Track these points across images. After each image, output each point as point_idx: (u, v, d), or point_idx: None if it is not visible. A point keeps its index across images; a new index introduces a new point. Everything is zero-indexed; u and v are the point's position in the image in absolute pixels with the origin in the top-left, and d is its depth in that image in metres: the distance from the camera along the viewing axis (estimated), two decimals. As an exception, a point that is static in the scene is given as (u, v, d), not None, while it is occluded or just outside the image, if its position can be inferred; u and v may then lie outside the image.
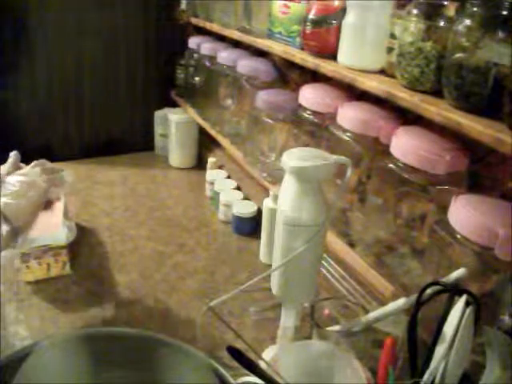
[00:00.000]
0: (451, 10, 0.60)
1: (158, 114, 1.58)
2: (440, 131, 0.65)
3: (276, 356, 0.63)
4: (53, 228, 0.94)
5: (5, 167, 0.76)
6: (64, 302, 0.88)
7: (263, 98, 1.00)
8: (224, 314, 0.82)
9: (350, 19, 0.74)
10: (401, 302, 0.63)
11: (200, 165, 1.52)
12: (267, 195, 1.01)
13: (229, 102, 1.22)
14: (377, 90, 0.68)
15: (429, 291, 0.58)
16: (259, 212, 1.10)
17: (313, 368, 0.61)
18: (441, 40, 0.60)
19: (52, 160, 0.83)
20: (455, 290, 0.56)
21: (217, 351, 0.70)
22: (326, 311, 0.73)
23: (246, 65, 1.09)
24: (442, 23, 0.60)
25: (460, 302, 0.54)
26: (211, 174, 1.32)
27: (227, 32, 1.14)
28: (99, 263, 1.01)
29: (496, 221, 0.54)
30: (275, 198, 0.97)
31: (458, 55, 0.56)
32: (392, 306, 0.64)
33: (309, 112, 0.87)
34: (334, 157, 0.62)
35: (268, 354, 0.69)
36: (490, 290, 0.58)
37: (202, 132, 1.45)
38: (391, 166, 0.67)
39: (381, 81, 0.69)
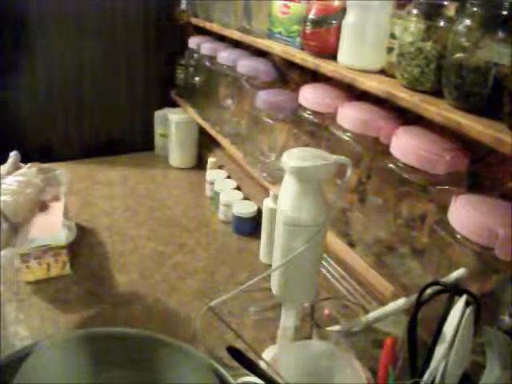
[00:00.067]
0: (451, 10, 0.60)
1: (158, 114, 1.58)
2: (440, 131, 0.65)
3: (276, 356, 0.63)
4: (53, 228, 0.94)
5: (5, 167, 0.76)
6: (64, 302, 0.88)
7: (263, 98, 1.00)
8: (224, 314, 0.82)
9: (349, 19, 0.74)
10: (401, 302, 0.63)
11: (200, 165, 1.52)
12: (267, 195, 1.01)
13: (229, 102, 1.22)
14: (377, 90, 0.68)
15: (429, 291, 0.58)
16: (259, 212, 1.10)
17: (313, 368, 0.61)
18: (441, 40, 0.60)
19: (52, 160, 0.84)
20: (455, 289, 0.56)
21: (217, 351, 0.70)
22: (326, 311, 0.73)
23: (246, 65, 1.09)
24: (442, 23, 0.60)
25: (460, 302, 0.54)
26: (211, 173, 1.32)
27: (227, 32, 1.14)
28: (99, 263, 1.01)
29: (496, 221, 0.54)
30: (275, 198, 0.97)
31: (457, 55, 0.56)
32: (392, 306, 0.64)
33: (309, 112, 0.87)
34: (334, 157, 0.62)
35: (268, 353, 0.69)
36: (489, 290, 0.58)
37: (202, 132, 1.45)
38: (391, 166, 0.67)
39: (381, 81, 0.69)
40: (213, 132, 1.31)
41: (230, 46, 1.27)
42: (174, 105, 1.57)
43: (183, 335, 0.80)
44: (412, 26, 0.63)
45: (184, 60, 1.49)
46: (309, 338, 0.68)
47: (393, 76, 0.69)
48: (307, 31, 0.83)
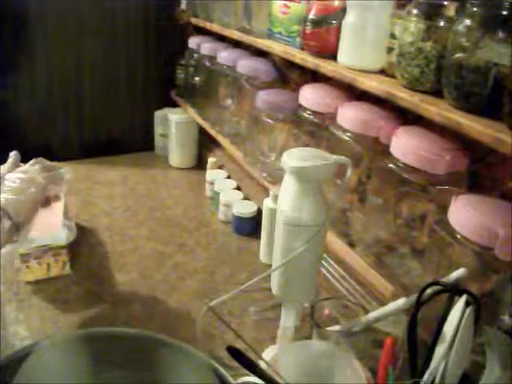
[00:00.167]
0: (451, 10, 0.60)
1: (158, 114, 1.58)
2: (440, 131, 0.65)
3: (276, 356, 0.63)
4: (53, 228, 0.94)
5: (5, 167, 0.76)
6: (64, 302, 0.88)
7: (263, 98, 1.00)
8: (224, 314, 0.82)
9: (349, 19, 0.74)
10: (401, 302, 0.63)
11: (200, 165, 1.52)
12: (267, 195, 1.01)
13: (229, 102, 1.22)
14: (377, 90, 0.68)
15: (429, 291, 0.58)
16: (259, 212, 1.10)
17: (313, 368, 0.61)
18: (441, 40, 0.60)
19: (52, 160, 0.83)
20: (455, 289, 0.56)
21: (217, 351, 0.70)
22: (326, 311, 0.73)
23: (246, 65, 1.09)
24: (442, 23, 0.60)
25: (460, 302, 0.54)
26: (211, 173, 1.32)
27: (227, 32, 1.14)
28: (99, 263, 1.01)
29: (496, 221, 0.54)
30: (275, 198, 0.97)
31: (457, 55, 0.56)
32: (392, 306, 0.64)
33: (309, 112, 0.87)
34: (334, 157, 0.62)
35: (268, 353, 0.69)
36: (489, 290, 0.58)
37: (202, 132, 1.45)
38: (391, 166, 0.67)
39: (381, 81, 0.69)
40: (213, 132, 1.31)
41: (229, 46, 1.27)
42: (174, 105, 1.57)
43: (183, 335, 0.80)
44: (412, 25, 0.63)
45: (184, 60, 1.49)
46: (309, 338, 0.68)
47: (393, 76, 0.69)
48: (307, 31, 0.83)
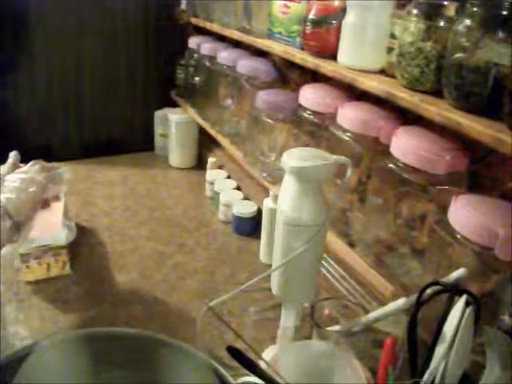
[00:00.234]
0: (451, 10, 0.60)
1: (158, 114, 1.58)
2: (440, 131, 0.65)
3: (276, 356, 0.63)
4: (53, 228, 0.94)
5: (5, 167, 0.76)
6: (64, 302, 0.88)
7: (263, 98, 1.00)
8: (224, 314, 0.82)
9: (350, 19, 0.74)
10: (401, 302, 0.63)
11: (200, 165, 1.52)
12: (267, 195, 1.01)
13: (229, 101, 1.22)
14: (377, 90, 0.68)
15: (429, 291, 0.58)
16: (259, 212, 1.10)
17: (313, 368, 0.61)
18: (441, 40, 0.60)
19: (52, 160, 0.83)
20: (455, 289, 0.56)
21: (217, 351, 0.70)
22: (326, 311, 0.73)
23: (246, 65, 1.09)
24: (442, 23, 0.60)
25: (460, 302, 0.54)
26: (211, 173, 1.32)
27: (227, 32, 1.14)
28: (99, 263, 1.01)
29: (496, 221, 0.54)
30: (275, 198, 0.97)
31: (457, 55, 0.56)
32: (392, 306, 0.64)
33: (309, 112, 0.87)
34: (334, 157, 0.62)
35: (268, 353, 0.69)
36: (489, 290, 0.58)
37: (202, 132, 1.45)
38: (391, 166, 0.67)
39: (381, 81, 0.69)
40: (213, 132, 1.31)
41: (229, 46, 1.27)
42: (174, 105, 1.57)
43: (183, 335, 0.79)
44: (412, 25, 0.63)
45: (184, 60, 1.49)
46: (309, 338, 0.68)
47: (393, 76, 0.69)
48: (307, 31, 0.83)
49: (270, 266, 0.70)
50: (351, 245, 0.79)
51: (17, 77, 1.37)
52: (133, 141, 1.60)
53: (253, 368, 0.54)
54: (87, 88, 1.47)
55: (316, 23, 0.81)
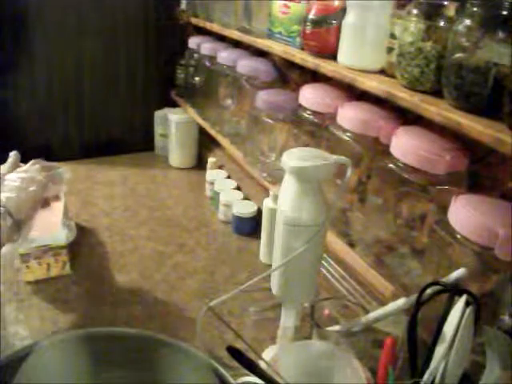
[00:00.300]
0: (451, 10, 0.60)
1: (158, 114, 1.58)
2: (440, 131, 0.65)
3: (276, 356, 0.63)
4: (53, 228, 0.94)
5: (5, 167, 0.76)
6: (64, 302, 0.88)
7: (263, 98, 1.00)
8: (224, 314, 0.82)
9: (349, 19, 0.74)
10: (401, 302, 0.63)
11: (200, 165, 1.52)
12: (267, 195, 1.01)
13: (229, 101, 1.22)
14: (377, 90, 0.68)
15: (429, 291, 0.58)
16: (259, 212, 1.10)
17: (313, 368, 0.61)
18: (441, 40, 0.60)
19: (52, 160, 0.83)
20: (455, 289, 0.56)
21: (217, 351, 0.70)
22: (326, 311, 0.73)
23: (246, 65, 1.09)
24: (442, 23, 0.60)
25: (460, 302, 0.54)
26: (211, 173, 1.32)
27: (227, 32, 1.14)
28: (99, 263, 1.01)
29: (496, 221, 0.54)
30: (275, 197, 0.97)
31: (457, 55, 0.56)
32: (392, 305, 0.64)
33: (309, 112, 0.87)
34: (334, 157, 0.62)
35: (268, 353, 0.69)
36: (489, 289, 0.58)
37: (202, 132, 1.45)
38: (391, 165, 0.67)
39: (381, 81, 0.69)
40: (213, 132, 1.31)
41: (229, 45, 1.27)
42: (174, 105, 1.57)
43: (183, 335, 0.80)
44: (412, 25, 0.63)
45: (184, 60, 1.49)
46: (309, 338, 0.68)
47: (393, 76, 0.69)
48: (307, 31, 0.83)
49: (270, 265, 0.70)
50: (351, 245, 0.79)
51: (17, 77, 1.37)
52: (133, 141, 1.60)
53: (253, 368, 0.54)
54: (87, 88, 1.47)
55: (316, 23, 0.81)
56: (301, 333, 0.70)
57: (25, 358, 0.54)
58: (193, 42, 1.39)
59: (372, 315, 0.67)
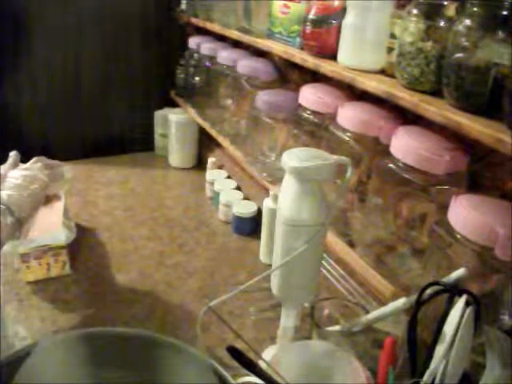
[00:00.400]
0: (451, 10, 0.60)
1: (158, 114, 1.58)
2: (440, 131, 0.65)
3: (276, 356, 0.63)
4: (53, 228, 0.94)
5: (5, 167, 0.76)
6: (64, 302, 0.88)
7: (263, 98, 1.00)
8: (224, 314, 0.82)
9: (349, 19, 0.74)
10: (401, 301, 0.63)
11: (200, 165, 1.52)
12: (267, 195, 1.01)
13: (229, 101, 1.22)
14: (377, 90, 0.67)
15: (429, 291, 0.58)
16: (259, 212, 1.10)
17: (313, 368, 0.61)
18: (441, 40, 0.60)
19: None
20: (455, 289, 0.56)
21: (217, 351, 0.70)
22: (326, 311, 0.73)
23: (245, 65, 1.09)
24: (442, 23, 0.60)
25: (460, 302, 0.54)
26: (211, 173, 1.32)
27: (227, 32, 1.14)
28: (99, 263, 1.01)
29: (496, 221, 0.53)
30: (275, 197, 0.97)
31: (457, 55, 0.56)
32: (392, 305, 0.64)
33: (309, 112, 0.87)
34: (334, 157, 0.62)
35: (268, 353, 0.69)
36: (489, 290, 0.58)
37: (202, 132, 1.45)
38: (391, 165, 0.67)
39: (381, 81, 0.69)
40: (213, 132, 1.31)
41: (229, 45, 1.27)
42: (174, 105, 1.57)
43: (183, 335, 0.80)
44: (412, 25, 0.63)
45: (184, 60, 1.49)
46: (309, 338, 0.68)
47: (393, 76, 0.69)
48: (307, 31, 0.83)
49: (270, 265, 0.70)
50: (351, 245, 0.79)
51: (17, 77, 1.37)
52: (133, 141, 1.60)
53: (253, 368, 0.54)
54: (87, 88, 1.47)
55: (316, 23, 0.81)
56: (301, 333, 0.70)
57: (25, 358, 0.54)
58: (193, 41, 1.39)
59: (372, 315, 0.67)
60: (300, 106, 0.89)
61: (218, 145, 1.34)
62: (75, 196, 1.26)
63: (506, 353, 0.52)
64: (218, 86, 1.25)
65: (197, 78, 1.40)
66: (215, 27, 1.21)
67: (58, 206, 0.99)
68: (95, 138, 1.55)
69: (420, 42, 0.62)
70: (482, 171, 0.65)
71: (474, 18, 0.54)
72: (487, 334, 0.54)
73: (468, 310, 0.53)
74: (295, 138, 0.95)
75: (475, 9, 0.54)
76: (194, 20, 1.38)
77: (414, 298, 0.60)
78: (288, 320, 0.71)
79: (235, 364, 0.55)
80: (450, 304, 0.55)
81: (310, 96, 0.87)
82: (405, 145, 0.65)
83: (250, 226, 1.14)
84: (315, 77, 0.92)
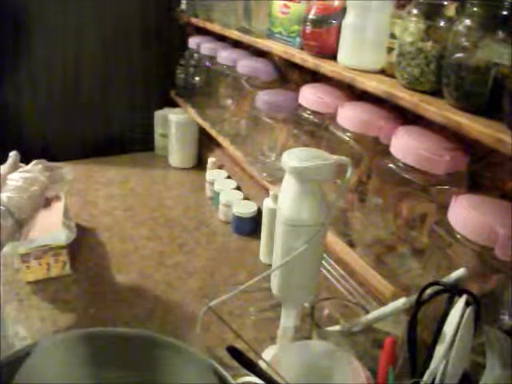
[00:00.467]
0: (451, 10, 0.60)
1: (158, 114, 1.58)
2: (440, 131, 0.65)
3: (276, 356, 0.63)
4: (53, 228, 0.94)
5: (5, 167, 0.76)
6: (64, 302, 0.88)
7: (263, 98, 1.00)
8: (224, 314, 0.82)
9: (349, 19, 0.74)
10: (401, 301, 0.63)
11: (200, 165, 1.52)
12: (267, 195, 1.01)
13: (229, 101, 1.22)
14: (377, 90, 0.67)
15: (429, 291, 0.58)
16: (259, 212, 1.10)
17: (313, 368, 0.61)
18: (441, 40, 0.60)
19: (52, 160, 0.83)
20: (455, 289, 0.56)
21: (217, 351, 0.70)
22: (326, 311, 0.73)
23: (246, 65, 1.09)
24: (442, 23, 0.60)
25: (460, 302, 0.54)
26: (211, 173, 1.32)
27: (227, 32, 1.14)
28: (99, 263, 1.01)
29: (496, 221, 0.53)
30: (275, 197, 0.97)
31: (457, 55, 0.56)
32: (392, 305, 0.64)
33: (309, 112, 0.87)
34: (334, 157, 0.62)
35: (268, 353, 0.69)
36: (489, 290, 0.58)
37: (202, 132, 1.45)
38: (391, 165, 0.67)
39: (381, 81, 0.69)
40: (213, 132, 1.31)
41: (229, 45, 1.27)
42: (174, 105, 1.57)
43: (183, 335, 0.80)
44: (412, 25, 0.63)
45: (184, 60, 1.49)
46: (309, 338, 0.68)
47: (393, 76, 0.69)
48: (307, 31, 0.83)
49: (270, 265, 0.70)
50: (351, 245, 0.79)
51: (17, 77, 1.37)
52: (133, 141, 1.60)
53: (253, 368, 0.54)
54: (87, 88, 1.47)
55: (316, 23, 0.81)
56: (301, 333, 0.70)
57: (25, 358, 0.54)
58: (193, 41, 1.39)
59: (372, 315, 0.67)
60: (300, 106, 0.89)
61: (218, 145, 1.34)
62: (75, 196, 1.26)
63: (506, 353, 0.52)
64: (218, 86, 1.25)
65: (197, 78, 1.40)
66: (215, 27, 1.21)
67: (58, 206, 0.99)
68: (95, 138, 1.55)
69: (420, 42, 0.62)
70: (481, 171, 0.65)
71: (474, 18, 0.54)
72: (487, 334, 0.54)
73: (468, 310, 0.53)
74: (295, 138, 0.95)
75: (475, 9, 0.54)
76: (194, 20, 1.38)
77: (414, 298, 0.60)
78: (288, 320, 0.71)
79: (235, 364, 0.55)
80: (450, 304, 0.55)
81: (310, 96, 0.87)
82: (405, 145, 0.65)
83: (250, 226, 1.14)
84: (315, 77, 0.92)
